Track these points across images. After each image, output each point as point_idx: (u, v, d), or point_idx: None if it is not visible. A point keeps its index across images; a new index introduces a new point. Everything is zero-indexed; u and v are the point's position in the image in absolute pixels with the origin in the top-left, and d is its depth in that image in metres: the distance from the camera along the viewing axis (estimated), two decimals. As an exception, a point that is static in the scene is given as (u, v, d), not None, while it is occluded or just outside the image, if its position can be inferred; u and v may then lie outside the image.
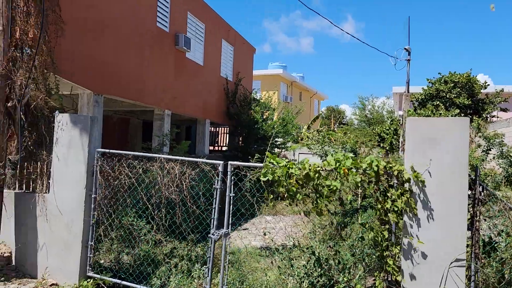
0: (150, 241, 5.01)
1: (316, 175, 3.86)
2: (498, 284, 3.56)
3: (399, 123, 23.97)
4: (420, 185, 3.57)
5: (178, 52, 11.25)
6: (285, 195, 3.97)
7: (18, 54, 4.92)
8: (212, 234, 4.23)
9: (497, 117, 23.40)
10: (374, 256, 3.87)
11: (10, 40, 4.88)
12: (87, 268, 4.84)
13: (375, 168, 3.75)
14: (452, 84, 22.34)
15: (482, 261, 3.60)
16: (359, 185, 3.90)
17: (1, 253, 4.95)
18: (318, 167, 3.89)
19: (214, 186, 4.27)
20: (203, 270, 4.70)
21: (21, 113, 4.94)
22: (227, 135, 16.81)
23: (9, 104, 4.86)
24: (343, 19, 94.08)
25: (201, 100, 13.05)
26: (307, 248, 4.29)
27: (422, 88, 23.86)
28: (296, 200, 3.92)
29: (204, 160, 4.35)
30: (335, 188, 3.78)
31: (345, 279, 3.94)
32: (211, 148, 17.68)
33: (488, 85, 23.17)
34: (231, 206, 4.24)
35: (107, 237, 4.89)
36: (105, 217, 4.78)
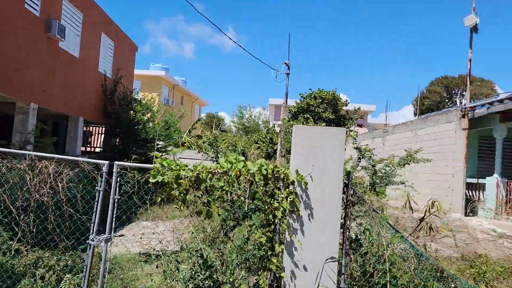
0: (11, 250, 4.34)
1: (209, 177, 3.88)
2: (363, 276, 4.05)
3: (274, 132, 25.57)
4: (303, 188, 3.87)
5: (50, 40, 10.11)
6: (176, 198, 3.89)
7: None
8: (91, 240, 3.88)
9: (355, 131, 26.60)
10: (258, 256, 4.04)
11: None
12: None
13: (264, 172, 3.93)
14: (320, 100, 24.78)
15: (351, 256, 4.06)
16: (249, 187, 4.06)
17: None
18: (211, 169, 3.92)
19: (96, 188, 3.94)
20: (78, 280, 4.28)
21: None
22: (103, 135, 15.67)
23: None
24: (224, 30, 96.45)
25: (75, 95, 11.91)
26: (196, 251, 4.26)
27: (296, 101, 25.91)
28: (187, 203, 3.87)
29: (86, 159, 3.98)
30: (227, 189, 3.85)
31: (231, 279, 4.02)
32: (83, 148, 16.24)
33: (349, 103, 26.33)
34: (115, 210, 3.97)
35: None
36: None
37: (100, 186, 3.93)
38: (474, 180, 11.73)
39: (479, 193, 11.55)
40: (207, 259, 4.30)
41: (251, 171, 3.84)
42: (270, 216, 3.96)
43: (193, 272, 4.18)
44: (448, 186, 11.75)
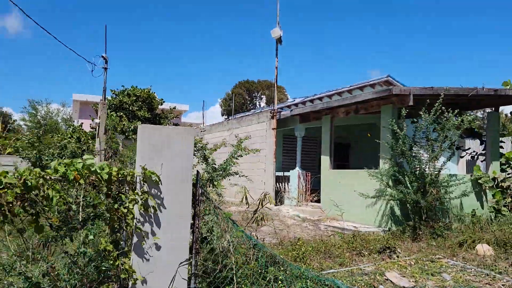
0: None
1: (40, 182, 3.26)
2: (212, 273, 4.14)
3: (82, 131, 23.28)
4: (154, 189, 3.70)
5: None
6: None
7: None
8: None
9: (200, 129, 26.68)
10: (103, 268, 3.64)
11: None
12: None
13: (106, 175, 3.57)
14: (135, 98, 23.93)
15: (201, 255, 4.09)
16: (89, 192, 3.61)
17: None
18: (42, 173, 3.30)
19: None
20: None
21: None
22: None
23: None
24: (7, 11, 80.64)
25: None
26: (20, 273, 3.52)
27: (107, 98, 24.28)
28: (13, 216, 3.16)
29: None
30: (65, 196, 3.32)
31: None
32: None
33: (164, 101, 26.31)
34: None
35: None
36: None
37: None
38: (281, 173, 13.46)
39: (285, 185, 13.32)
40: (32, 281, 3.61)
41: (100, 174, 3.42)
42: (116, 222, 3.63)
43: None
44: (261, 179, 13.14)
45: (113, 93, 24.38)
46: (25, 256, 4.10)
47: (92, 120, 24.32)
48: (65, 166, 3.43)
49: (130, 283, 3.59)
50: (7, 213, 3.18)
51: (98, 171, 3.46)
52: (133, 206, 3.59)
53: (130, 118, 23.52)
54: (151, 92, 24.54)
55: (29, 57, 79.13)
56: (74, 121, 37.57)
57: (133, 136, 20.06)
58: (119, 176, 3.64)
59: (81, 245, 3.96)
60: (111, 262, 3.56)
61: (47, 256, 4.60)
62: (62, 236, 3.68)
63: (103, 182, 3.54)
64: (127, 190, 3.69)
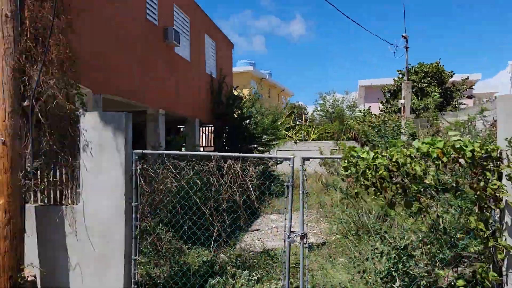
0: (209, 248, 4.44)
1: (408, 160, 3.51)
2: None
3: (370, 113, 24.13)
4: (526, 165, 3.32)
5: (167, 47, 10.55)
6: (370, 187, 3.60)
7: (31, 45, 4.17)
8: (287, 237, 3.77)
9: (464, 104, 24.11)
10: (476, 247, 3.58)
11: (21, 28, 4.12)
12: (132, 286, 4.20)
13: (470, 153, 3.44)
14: (422, 74, 22.92)
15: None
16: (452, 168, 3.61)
17: (25, 276, 4.16)
18: (408, 152, 3.54)
19: (285, 183, 3.81)
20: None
21: (39, 114, 4.20)
22: (212, 134, 16.13)
23: (25, 104, 4.11)
24: (292, 18, 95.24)
25: (191, 98, 12.37)
26: (381, 237, 3.94)
27: (393, 79, 24.39)
28: (384, 192, 3.56)
29: (272, 155, 3.87)
30: (433, 174, 3.45)
31: (443, 275, 3.62)
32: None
33: (454, 73, 23.98)
34: (305, 204, 3.82)
35: (155, 250, 4.27)
36: (150, 228, 4.16)
37: (290, 182, 3.78)
38: None
39: None
40: (400, 253, 3.95)
41: (465, 151, 3.37)
42: (485, 201, 3.47)
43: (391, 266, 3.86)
44: None
45: (399, 73, 24.19)
46: (380, 225, 4.58)
47: (381, 103, 24.98)
48: (427, 145, 3.55)
49: (505, 263, 3.37)
50: (380, 188, 3.61)
51: (463, 148, 3.40)
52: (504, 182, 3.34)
53: (419, 96, 22.77)
54: (439, 65, 22.88)
55: (312, 56, 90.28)
56: (359, 106, 39.72)
57: (424, 114, 19.28)
58: (482, 152, 3.46)
59: (439, 222, 4.02)
60: (484, 241, 3.43)
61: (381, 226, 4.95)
62: (421, 210, 3.85)
63: (466, 159, 3.46)
64: (492, 166, 3.46)
